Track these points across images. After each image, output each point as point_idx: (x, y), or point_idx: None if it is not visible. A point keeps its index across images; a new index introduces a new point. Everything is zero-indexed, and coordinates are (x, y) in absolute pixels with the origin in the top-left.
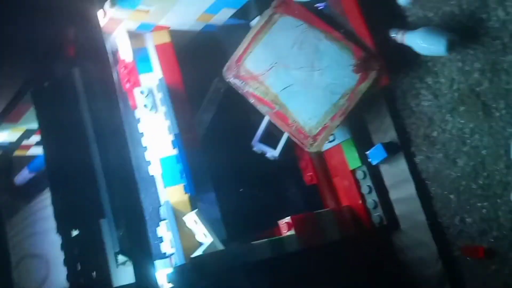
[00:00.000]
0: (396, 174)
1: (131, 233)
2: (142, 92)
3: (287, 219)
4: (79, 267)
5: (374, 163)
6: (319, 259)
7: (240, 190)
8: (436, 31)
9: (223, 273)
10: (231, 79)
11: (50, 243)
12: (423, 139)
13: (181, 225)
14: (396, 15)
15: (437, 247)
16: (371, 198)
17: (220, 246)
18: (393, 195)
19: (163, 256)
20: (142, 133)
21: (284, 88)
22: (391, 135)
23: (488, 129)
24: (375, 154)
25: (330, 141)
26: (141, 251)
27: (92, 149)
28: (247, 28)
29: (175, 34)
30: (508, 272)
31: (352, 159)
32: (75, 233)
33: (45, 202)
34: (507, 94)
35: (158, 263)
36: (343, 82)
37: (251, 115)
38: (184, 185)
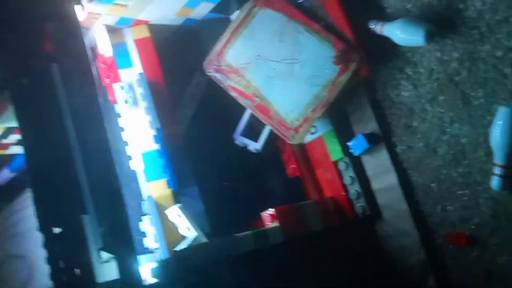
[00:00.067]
0: (378, 164)
1: (114, 228)
2: (122, 88)
3: (271, 210)
4: (62, 265)
5: (356, 154)
6: (303, 250)
7: (223, 183)
8: (414, 21)
9: (208, 265)
10: (212, 73)
11: (33, 243)
12: (403, 129)
13: (164, 220)
14: (375, 7)
15: (419, 235)
16: (354, 189)
17: (204, 240)
18: (376, 185)
19: (147, 251)
20: (122, 128)
21: (265, 81)
22: (372, 126)
23: (468, 117)
24: (357, 145)
25: (312, 133)
26: (125, 246)
27: (72, 145)
28: (227, 22)
29: (154, 28)
30: (489, 258)
31: (334, 151)
32: (57, 230)
33: (27, 202)
34: (485, 82)
35: (142, 258)
36: (323, 74)
37: (232, 109)
38: (167, 180)
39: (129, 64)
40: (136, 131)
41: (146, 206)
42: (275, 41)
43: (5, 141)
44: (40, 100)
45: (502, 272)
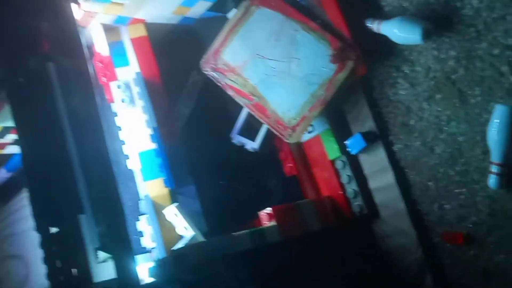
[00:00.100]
0: (375, 163)
1: (111, 228)
2: (119, 87)
3: (268, 209)
4: (59, 265)
5: (353, 152)
6: (300, 249)
7: (220, 182)
8: (411, 20)
9: (205, 264)
10: (209, 71)
11: (30, 243)
12: (401, 128)
13: (161, 219)
14: (372, 5)
15: (417, 234)
16: (351, 188)
17: (201, 239)
18: (373, 184)
19: (144, 250)
20: (119, 127)
21: (262, 80)
22: (369, 124)
23: (465, 116)
24: (354, 144)
25: (309, 132)
26: (122, 246)
27: (69, 144)
28: (224, 20)
29: (151, 27)
30: (487, 257)
31: (331, 149)
32: (54, 230)
33: (23, 202)
34: (482, 81)
35: (139, 257)
36: (320, 73)
37: (229, 108)
38: (163, 179)
39: (126, 63)
40: (133, 130)
41: (143, 206)
42: (272, 40)
43: (1, 140)
44: (36, 99)
45: (499, 271)
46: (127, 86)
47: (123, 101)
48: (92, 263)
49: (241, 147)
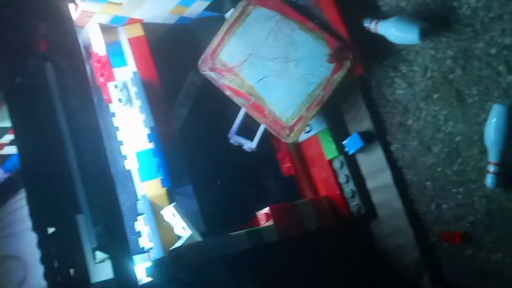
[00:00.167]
0: (372, 162)
1: (109, 228)
2: (116, 86)
3: (266, 209)
4: (56, 265)
5: (350, 152)
6: (298, 249)
7: (218, 182)
8: (408, 19)
9: (202, 264)
10: (206, 71)
11: (27, 244)
12: (398, 127)
13: (159, 219)
14: (369, 5)
15: (414, 233)
16: (349, 188)
17: (199, 239)
18: (370, 183)
19: (142, 250)
20: (117, 127)
21: (259, 80)
22: (367, 124)
23: (462, 115)
24: (352, 144)
25: (307, 132)
26: (119, 246)
27: (67, 144)
28: (222, 20)
29: (148, 27)
30: (484, 256)
31: (329, 149)
32: (51, 230)
33: (21, 203)
34: (479, 80)
35: (136, 258)
36: (318, 72)
37: (227, 108)
38: (161, 179)
39: (123, 63)
40: (130, 130)
41: (140, 206)
42: (269, 40)
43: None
44: (34, 99)
45: (497, 270)
46: (125, 86)
47: (120, 101)
48: (90, 263)
49: (239, 147)
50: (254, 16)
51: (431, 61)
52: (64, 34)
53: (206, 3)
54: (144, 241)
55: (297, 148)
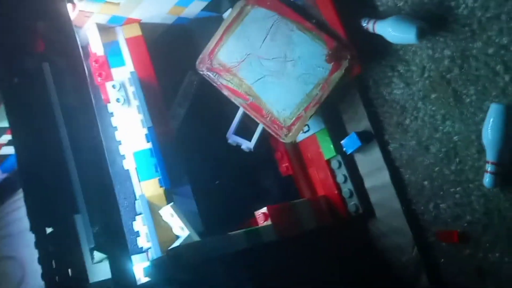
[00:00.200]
0: (370, 162)
1: (107, 228)
2: (114, 86)
3: (263, 209)
4: (54, 265)
5: (348, 152)
6: (296, 249)
7: (216, 182)
8: (406, 19)
9: (200, 264)
10: (204, 71)
11: (25, 244)
12: (396, 127)
13: (157, 219)
14: (367, 5)
15: (412, 233)
16: (347, 187)
17: (197, 239)
18: (368, 183)
19: (140, 250)
20: (115, 127)
21: (257, 80)
22: (365, 124)
23: (459, 115)
24: (350, 143)
25: (305, 132)
26: (117, 246)
27: (64, 144)
28: (220, 20)
29: (146, 27)
30: (482, 255)
31: (326, 149)
32: (49, 230)
33: (18, 203)
34: (476, 80)
35: (134, 257)
36: (316, 72)
37: (225, 108)
38: (159, 179)
39: (121, 63)
40: (128, 130)
41: (138, 206)
42: (267, 40)
43: None
44: (31, 99)
45: (494, 269)
46: (123, 86)
47: (118, 101)
48: (88, 263)
49: (237, 147)
50: (252, 16)
51: (428, 61)
52: (62, 34)
53: (204, 3)
54: (142, 241)
55: (295, 148)
